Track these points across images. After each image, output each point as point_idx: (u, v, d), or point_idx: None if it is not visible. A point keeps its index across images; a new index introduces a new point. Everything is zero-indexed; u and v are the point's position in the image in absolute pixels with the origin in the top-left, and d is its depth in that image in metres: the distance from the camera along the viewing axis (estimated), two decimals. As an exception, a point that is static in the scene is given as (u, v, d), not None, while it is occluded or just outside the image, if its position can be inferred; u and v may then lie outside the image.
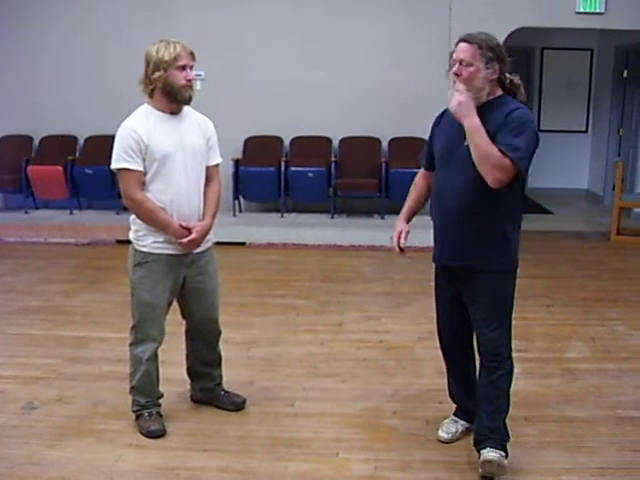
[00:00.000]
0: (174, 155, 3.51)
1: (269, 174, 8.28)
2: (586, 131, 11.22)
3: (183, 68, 3.48)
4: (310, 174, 8.16)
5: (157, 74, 3.45)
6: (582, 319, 5.49)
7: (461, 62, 3.11)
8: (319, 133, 8.55)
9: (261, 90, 8.49)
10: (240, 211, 8.65)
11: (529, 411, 3.92)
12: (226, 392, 4.01)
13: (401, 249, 3.50)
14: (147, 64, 3.49)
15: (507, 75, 3.20)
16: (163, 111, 3.55)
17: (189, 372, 4.03)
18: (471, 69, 3.09)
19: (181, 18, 8.41)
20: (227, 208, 8.35)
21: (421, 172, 3.59)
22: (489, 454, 3.19)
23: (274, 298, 6.02)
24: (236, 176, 8.34)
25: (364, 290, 6.18)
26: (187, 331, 3.94)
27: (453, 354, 3.63)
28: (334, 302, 5.88)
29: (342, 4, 8.38)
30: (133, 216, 3.62)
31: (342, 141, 8.56)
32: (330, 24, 8.41)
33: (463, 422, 3.66)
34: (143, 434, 3.67)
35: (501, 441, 3.26)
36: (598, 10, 7.97)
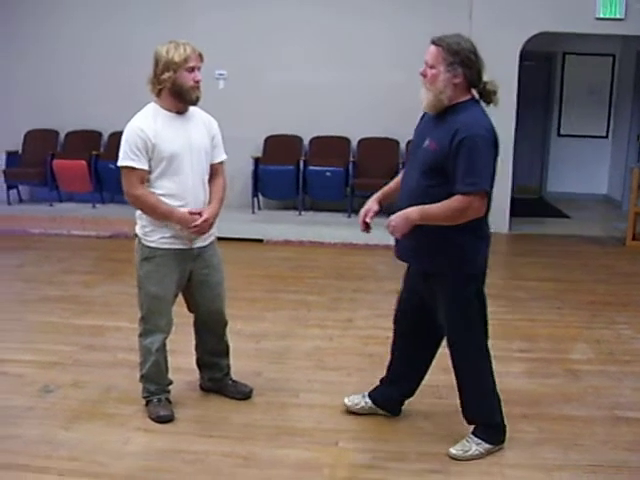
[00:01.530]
0: (181, 154, 3.61)
1: (288, 173, 8.42)
2: (606, 136, 11.22)
3: (192, 70, 3.57)
4: (328, 173, 8.29)
5: (166, 75, 3.53)
6: (589, 322, 5.55)
7: (426, 63, 3.25)
8: (338, 133, 8.67)
9: (282, 90, 8.63)
10: (259, 208, 8.79)
11: (528, 409, 4.01)
12: (234, 382, 4.14)
13: (367, 225, 3.60)
14: (156, 64, 3.57)
15: (484, 80, 3.27)
16: (170, 110, 3.64)
17: (198, 363, 4.15)
18: (434, 71, 3.22)
19: (201, 17, 8.60)
20: (246, 205, 8.51)
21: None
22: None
23: (287, 294, 6.14)
24: (255, 174, 8.48)
25: (376, 288, 6.28)
26: (194, 323, 4.06)
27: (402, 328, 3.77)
28: (346, 299, 5.99)
29: (363, 7, 8.48)
30: (139, 212, 3.72)
31: (360, 142, 8.68)
32: (351, 27, 8.52)
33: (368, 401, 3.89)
34: (152, 419, 3.81)
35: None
36: (618, 16, 8.03)
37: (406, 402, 3.89)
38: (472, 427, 3.56)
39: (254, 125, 8.59)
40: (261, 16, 8.63)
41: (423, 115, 3.52)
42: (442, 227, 3.24)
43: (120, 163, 3.60)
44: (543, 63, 11.16)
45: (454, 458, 3.47)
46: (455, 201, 3.15)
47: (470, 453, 3.48)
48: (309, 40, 8.66)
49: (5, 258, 7.31)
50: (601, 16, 8.05)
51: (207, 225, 3.70)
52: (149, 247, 3.72)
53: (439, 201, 3.20)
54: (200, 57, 3.63)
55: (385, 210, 3.63)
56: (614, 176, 11.04)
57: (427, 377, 4.31)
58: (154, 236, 3.69)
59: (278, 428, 3.78)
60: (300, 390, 4.22)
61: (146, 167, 3.58)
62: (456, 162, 3.15)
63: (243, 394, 4.10)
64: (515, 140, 8.62)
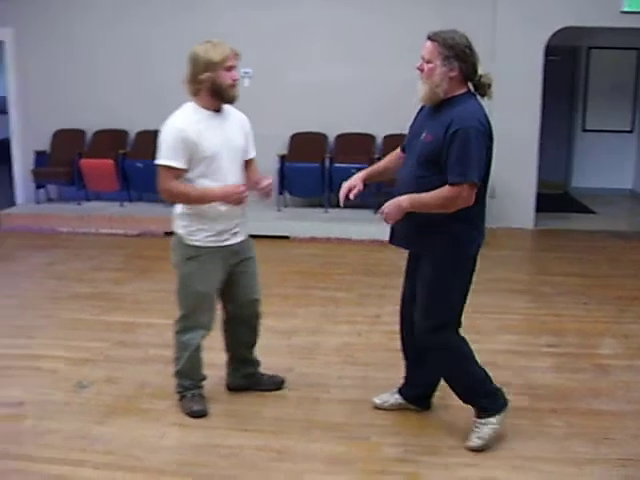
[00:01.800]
0: (221, 152, 3.65)
1: (314, 170, 8.46)
2: (631, 131, 11.13)
3: (230, 69, 3.60)
4: (354, 170, 8.23)
5: (205, 74, 3.57)
6: (617, 317, 5.55)
7: (423, 58, 3.33)
8: (362, 130, 8.70)
9: (305, 88, 8.68)
10: (285, 206, 8.84)
11: (557, 403, 4.03)
12: (264, 374, 4.21)
13: (348, 198, 3.66)
14: (194, 64, 3.60)
15: (479, 73, 3.35)
16: (208, 109, 3.68)
17: (232, 360, 4.17)
18: (430, 65, 3.31)
19: (223, 15, 8.65)
20: (272, 203, 8.55)
21: (398, 149, 3.77)
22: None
23: (316, 290, 6.18)
24: (281, 171, 8.53)
25: (405, 284, 6.30)
26: (227, 321, 4.10)
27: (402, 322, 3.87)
28: (374, 295, 6.02)
29: (384, 5, 8.49)
30: (180, 211, 3.77)
31: (385, 138, 8.70)
32: (373, 25, 8.52)
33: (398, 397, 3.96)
34: (186, 414, 3.88)
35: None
36: (643, 10, 7.98)
37: (437, 396, 3.92)
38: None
39: (279, 123, 8.63)
40: (283, 14, 8.65)
41: (421, 108, 3.59)
42: (435, 214, 3.33)
43: (159, 162, 3.64)
44: (567, 58, 11.08)
45: (477, 450, 3.51)
46: (445, 190, 3.25)
47: (485, 436, 3.52)
48: (331, 38, 8.68)
49: (35, 256, 7.42)
50: (626, 9, 8.00)
51: (268, 190, 3.83)
52: (194, 246, 3.75)
53: (435, 187, 3.29)
54: (237, 56, 3.67)
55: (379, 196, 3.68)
56: (640, 171, 10.98)
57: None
58: (199, 235, 3.74)
59: (310, 422, 3.84)
60: (331, 385, 4.27)
61: (184, 166, 3.62)
62: (448, 152, 3.25)
63: (277, 384, 4.19)
64: (540, 135, 8.60)
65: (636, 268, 7.10)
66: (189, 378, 3.95)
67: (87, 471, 3.38)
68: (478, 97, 3.42)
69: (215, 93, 3.64)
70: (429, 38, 3.34)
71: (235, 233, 3.81)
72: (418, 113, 3.62)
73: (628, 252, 7.78)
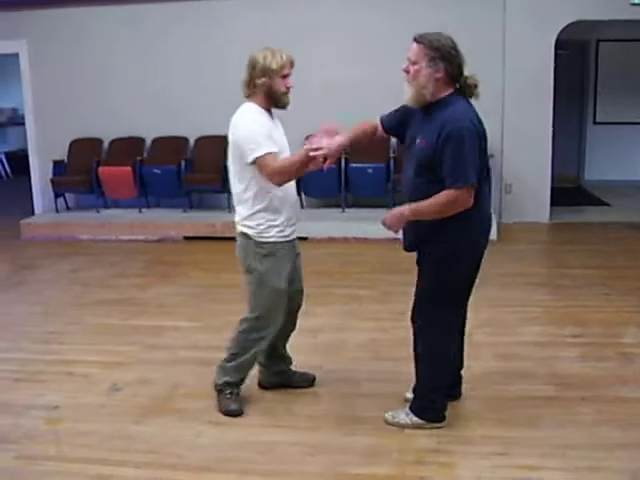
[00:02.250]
0: (282, 150, 3.80)
1: (330, 171, 8.46)
2: (643, 123, 11.17)
3: (285, 77, 3.73)
4: (370, 170, 8.41)
5: (262, 80, 3.69)
6: (638, 307, 5.60)
7: (409, 60, 3.39)
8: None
9: (318, 89, 8.72)
10: (302, 207, 8.90)
11: (585, 392, 4.10)
12: (296, 372, 4.29)
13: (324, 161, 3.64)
14: (253, 69, 3.71)
15: (465, 74, 3.40)
16: (267, 110, 3.81)
17: (270, 357, 4.21)
18: (416, 67, 3.36)
19: (234, 20, 8.78)
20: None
21: (378, 120, 3.84)
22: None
23: (338, 288, 6.26)
24: (297, 173, 8.58)
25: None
26: None
27: None
28: (397, 292, 6.05)
29: (393, 6, 8.55)
30: (249, 211, 3.79)
31: (400, 137, 8.76)
32: (383, 25, 8.54)
33: None
34: (223, 412, 3.96)
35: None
36: (653, 1, 8.02)
37: (468, 389, 3.98)
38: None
39: (294, 125, 8.67)
40: (294, 18, 8.70)
41: (414, 112, 3.59)
42: (432, 220, 3.42)
43: (259, 153, 3.63)
44: (577, 51, 11.14)
45: (386, 422, 3.78)
46: (443, 196, 3.32)
47: (400, 421, 3.76)
48: (342, 39, 8.71)
49: (58, 264, 7.52)
50: (636, 2, 8.05)
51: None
52: (268, 243, 3.82)
53: (431, 196, 3.36)
54: (292, 64, 3.78)
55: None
56: (652, 162, 11.00)
57: (484, 364, 4.46)
58: (271, 231, 3.81)
59: (343, 417, 3.91)
60: (361, 380, 4.35)
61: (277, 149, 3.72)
62: (442, 156, 3.31)
63: (309, 381, 4.28)
64: (552, 130, 8.66)
65: (654, 259, 7.15)
66: (240, 374, 4.02)
67: (129, 470, 3.45)
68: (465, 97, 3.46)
69: (269, 98, 3.75)
70: (415, 40, 3.40)
71: (294, 226, 3.94)
72: (414, 117, 3.61)
73: (643, 243, 7.83)
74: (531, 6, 8.24)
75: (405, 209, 3.44)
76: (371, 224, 8.07)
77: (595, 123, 11.34)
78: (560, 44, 8.52)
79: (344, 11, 8.74)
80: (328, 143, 3.61)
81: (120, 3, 8.99)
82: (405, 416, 3.77)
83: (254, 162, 3.65)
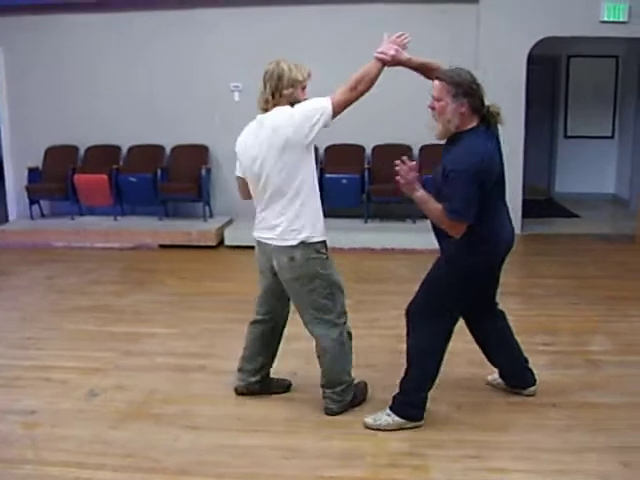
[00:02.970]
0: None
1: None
2: (612, 137, 11.37)
3: (304, 88, 3.85)
4: (344, 180, 8.48)
5: (289, 90, 3.76)
6: (606, 316, 5.74)
7: (433, 97, 3.59)
8: (353, 141, 8.86)
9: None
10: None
11: (555, 398, 4.20)
12: (273, 378, 4.36)
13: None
14: (279, 80, 3.76)
15: (486, 104, 3.60)
16: None
17: (257, 364, 4.25)
18: (441, 103, 3.56)
19: (214, 30, 8.84)
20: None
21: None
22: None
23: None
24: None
25: (399, 290, 6.37)
26: (273, 328, 4.23)
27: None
28: (370, 301, 6.15)
29: (374, 17, 8.58)
30: (293, 215, 3.79)
31: (375, 148, 8.88)
32: (363, 36, 8.63)
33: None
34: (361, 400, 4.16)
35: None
36: (622, 19, 8.20)
37: (442, 395, 4.07)
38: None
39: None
40: (276, 27, 8.74)
41: None
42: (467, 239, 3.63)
43: (327, 101, 3.78)
44: (548, 66, 11.35)
45: (367, 426, 3.87)
46: (443, 216, 3.57)
47: (382, 423, 3.85)
48: (325, 49, 8.75)
49: (34, 270, 7.51)
50: (605, 19, 8.23)
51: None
52: (321, 242, 3.88)
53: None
54: (310, 75, 3.90)
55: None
56: (621, 175, 11.20)
57: (460, 370, 4.57)
58: (321, 229, 3.88)
59: (319, 422, 3.98)
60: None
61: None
62: (445, 184, 3.56)
63: (284, 387, 4.36)
64: (524, 142, 8.81)
65: (621, 269, 7.30)
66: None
67: (107, 474, 3.48)
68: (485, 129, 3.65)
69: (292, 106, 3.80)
70: (437, 78, 3.60)
71: None
72: None
73: (612, 254, 7.99)
74: (504, 22, 8.39)
75: (420, 192, 3.63)
76: (344, 234, 8.18)
77: (566, 137, 11.54)
78: (532, 59, 8.69)
79: (325, 21, 8.80)
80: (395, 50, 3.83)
81: (98, 11, 9.00)
82: (387, 417, 3.87)
83: (326, 112, 3.73)
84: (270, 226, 3.84)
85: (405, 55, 3.84)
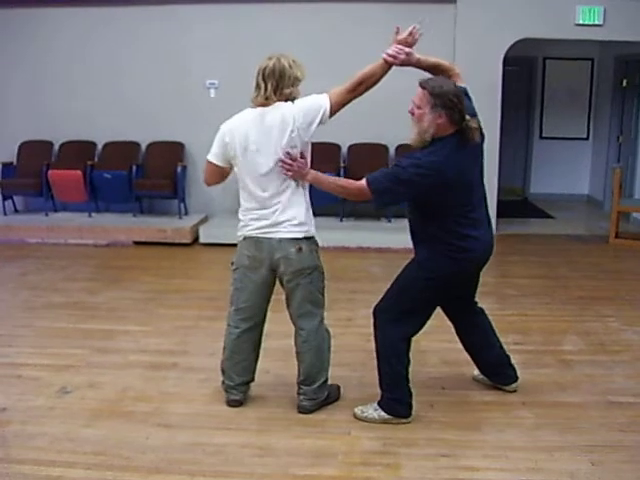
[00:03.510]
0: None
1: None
2: (587, 138, 11.48)
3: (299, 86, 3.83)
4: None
5: (290, 89, 3.75)
6: (578, 315, 5.80)
7: (414, 103, 3.63)
8: (328, 140, 8.85)
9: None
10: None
11: (526, 397, 4.24)
12: None
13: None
14: (280, 77, 3.72)
15: (466, 118, 3.62)
16: None
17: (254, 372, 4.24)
18: (420, 111, 3.60)
19: (192, 28, 8.80)
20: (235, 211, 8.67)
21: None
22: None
23: (284, 295, 6.29)
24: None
25: (373, 289, 6.41)
26: (259, 329, 4.21)
27: None
28: (344, 300, 6.17)
29: (355, 17, 8.60)
30: (303, 209, 3.90)
31: (350, 147, 8.89)
32: (344, 36, 8.62)
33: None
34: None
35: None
36: (597, 22, 8.26)
37: (415, 394, 4.05)
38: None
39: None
40: (254, 26, 8.71)
41: None
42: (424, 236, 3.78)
43: (325, 98, 3.79)
44: (525, 68, 11.42)
45: (355, 416, 3.97)
46: (348, 182, 3.88)
47: (369, 416, 3.94)
48: (300, 49, 8.69)
49: (7, 267, 7.45)
50: (580, 22, 8.29)
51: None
52: (315, 236, 4.00)
53: (422, 221, 3.82)
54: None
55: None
56: (595, 177, 11.31)
57: (431, 369, 4.61)
58: (314, 225, 4.00)
59: (291, 420, 3.98)
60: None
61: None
62: None
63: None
64: (500, 143, 8.86)
65: (594, 270, 7.37)
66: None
67: (79, 472, 3.47)
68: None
69: None
70: (420, 85, 3.63)
71: None
72: None
73: (586, 255, 8.06)
74: (481, 23, 8.43)
75: (310, 175, 3.81)
76: (320, 232, 8.03)
77: (541, 138, 11.63)
78: (508, 61, 8.74)
79: (303, 19, 8.76)
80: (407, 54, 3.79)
81: (75, 6, 8.91)
82: (373, 411, 3.94)
83: (326, 110, 3.75)
84: (272, 221, 3.84)
85: (415, 57, 3.83)
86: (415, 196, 3.69)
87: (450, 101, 3.54)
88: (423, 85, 3.61)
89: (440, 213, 3.69)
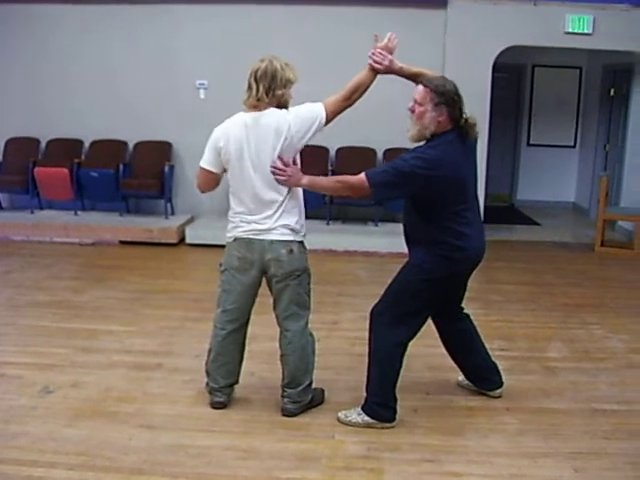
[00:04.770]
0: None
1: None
2: (574, 146, 11.54)
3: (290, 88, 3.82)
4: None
5: (282, 91, 3.74)
6: (563, 323, 5.81)
7: (415, 101, 3.67)
8: (316, 143, 8.83)
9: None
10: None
11: (510, 403, 4.25)
12: None
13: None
14: (272, 79, 3.71)
15: (464, 115, 3.70)
16: None
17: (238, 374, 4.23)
18: (421, 109, 3.65)
19: (182, 28, 8.76)
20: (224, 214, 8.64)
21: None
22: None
23: (271, 298, 6.26)
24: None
25: (359, 292, 6.47)
26: (244, 330, 4.20)
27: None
28: (330, 303, 6.15)
29: (346, 19, 8.56)
30: (294, 214, 3.90)
31: (338, 150, 8.89)
32: (334, 37, 8.59)
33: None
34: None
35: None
36: (586, 31, 8.31)
37: (399, 398, 4.05)
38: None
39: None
40: (244, 26, 8.68)
41: None
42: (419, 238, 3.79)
43: (321, 106, 3.87)
44: (513, 75, 11.47)
45: (339, 419, 3.97)
46: (346, 177, 3.83)
47: (352, 420, 3.93)
48: (290, 51, 8.69)
49: (-10, 265, 7.40)
50: (569, 31, 8.33)
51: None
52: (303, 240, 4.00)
53: (418, 222, 3.80)
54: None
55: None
56: (581, 185, 11.37)
57: (415, 375, 4.59)
58: (304, 228, 4.00)
59: (275, 423, 3.97)
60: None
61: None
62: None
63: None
64: (487, 150, 8.88)
65: (579, 277, 7.40)
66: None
67: (61, 472, 3.44)
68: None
69: (279, 108, 3.79)
70: (422, 83, 3.68)
71: None
72: None
73: (571, 262, 8.09)
74: (471, 29, 8.45)
75: (305, 180, 3.82)
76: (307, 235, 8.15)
77: (529, 145, 11.68)
78: (498, 67, 8.76)
79: (294, 21, 8.73)
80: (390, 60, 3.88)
81: (63, 3, 8.86)
82: (357, 415, 3.93)
83: (321, 120, 3.83)
84: (265, 223, 3.83)
85: (398, 64, 3.90)
86: (414, 191, 3.68)
87: (452, 99, 3.62)
88: (425, 84, 3.67)
89: (436, 212, 3.70)
